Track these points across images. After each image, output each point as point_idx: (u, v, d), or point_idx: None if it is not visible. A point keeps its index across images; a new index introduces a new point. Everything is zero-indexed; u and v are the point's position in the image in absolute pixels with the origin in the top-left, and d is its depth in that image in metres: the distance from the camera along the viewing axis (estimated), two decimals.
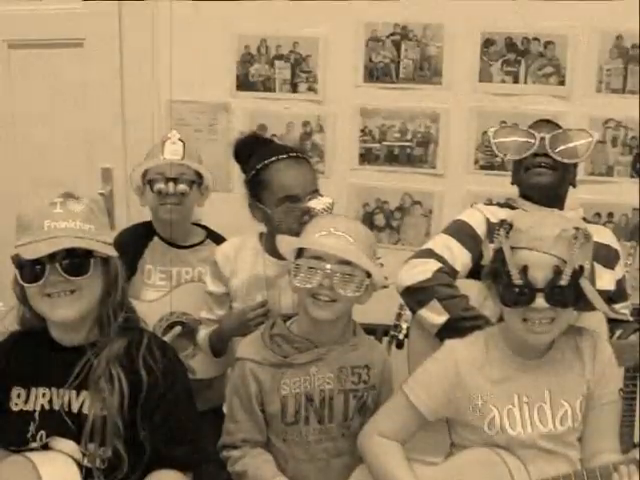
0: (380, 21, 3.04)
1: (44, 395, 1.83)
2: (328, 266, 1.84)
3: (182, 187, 2.48)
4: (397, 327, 2.40)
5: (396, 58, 3.06)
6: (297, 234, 2.02)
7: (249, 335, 2.06)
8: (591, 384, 1.87)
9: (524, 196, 2.30)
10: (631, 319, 2.30)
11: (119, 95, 3.31)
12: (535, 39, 2.93)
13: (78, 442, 1.79)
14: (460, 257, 2.22)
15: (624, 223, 2.95)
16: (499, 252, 1.81)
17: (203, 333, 2.37)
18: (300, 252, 1.92)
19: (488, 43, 2.96)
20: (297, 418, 1.96)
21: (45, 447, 1.81)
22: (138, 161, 2.60)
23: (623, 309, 2.33)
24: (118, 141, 3.34)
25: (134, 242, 2.56)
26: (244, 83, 3.22)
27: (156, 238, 2.59)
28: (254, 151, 2.28)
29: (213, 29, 3.17)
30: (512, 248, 1.78)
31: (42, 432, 1.81)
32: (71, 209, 1.77)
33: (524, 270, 1.74)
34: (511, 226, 1.81)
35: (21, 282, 1.77)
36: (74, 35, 3.30)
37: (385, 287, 2.00)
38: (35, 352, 1.86)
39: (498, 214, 2.22)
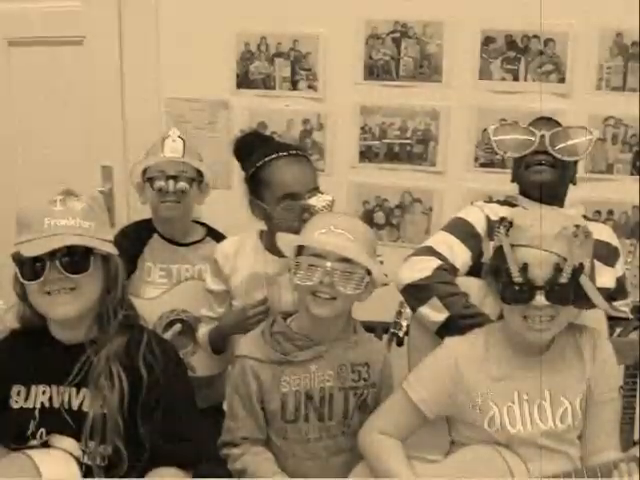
0: (380, 19, 3.04)
1: (44, 393, 1.83)
2: (328, 264, 1.84)
3: (182, 185, 2.48)
4: (397, 325, 2.40)
5: (396, 56, 3.06)
6: (297, 232, 2.02)
7: (249, 333, 2.07)
8: (591, 382, 1.87)
9: (524, 194, 2.30)
10: (631, 317, 2.30)
11: (119, 93, 3.31)
12: (535, 37, 2.92)
13: (78, 440, 1.79)
14: (460, 255, 2.22)
15: (624, 221, 2.95)
16: (499, 250, 1.81)
17: (203, 331, 2.38)
18: (300, 250, 1.92)
19: (488, 41, 2.96)
20: (297, 416, 1.96)
21: (45, 445, 1.81)
22: (138, 159, 2.60)
23: (623, 307, 2.33)
24: (118, 139, 3.34)
25: (134, 240, 2.56)
26: (244, 81, 3.22)
27: (156, 236, 2.59)
28: (254, 149, 2.28)
29: (213, 27, 3.17)
30: (512, 246, 1.78)
31: (42, 430, 1.81)
32: (71, 207, 1.77)
33: (524, 268, 1.74)
34: (511, 224, 1.81)
35: (21, 280, 1.77)
36: (74, 33, 3.30)
37: (385, 285, 2.00)
38: (35, 350, 1.86)
39: (498, 212, 2.22)
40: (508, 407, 1.85)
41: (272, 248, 2.17)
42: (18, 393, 1.85)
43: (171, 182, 2.47)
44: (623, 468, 1.76)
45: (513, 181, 2.35)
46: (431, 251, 2.22)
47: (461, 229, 2.27)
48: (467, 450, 1.89)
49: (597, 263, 2.16)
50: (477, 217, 2.29)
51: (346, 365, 1.99)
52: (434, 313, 2.14)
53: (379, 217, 3.17)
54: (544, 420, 1.85)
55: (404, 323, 2.38)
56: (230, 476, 1.99)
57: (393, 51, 3.06)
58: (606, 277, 2.27)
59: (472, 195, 2.88)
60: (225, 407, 2.13)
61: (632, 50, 2.86)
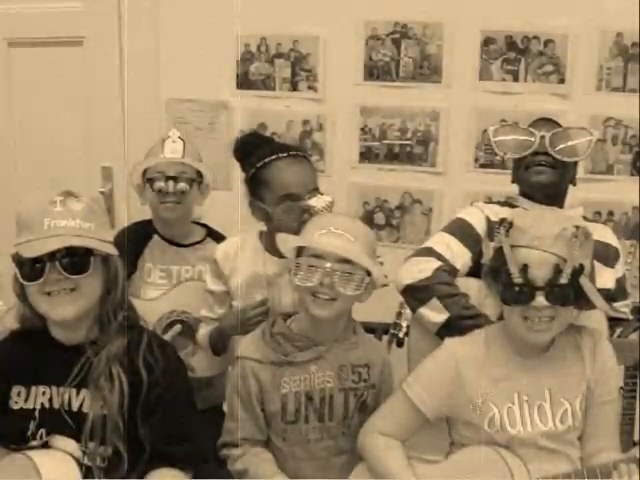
0: (380, 19, 3.04)
1: (44, 393, 1.83)
2: (328, 264, 1.84)
3: (182, 186, 2.48)
4: (397, 326, 2.40)
5: (396, 56, 3.06)
6: (297, 232, 2.02)
7: (249, 334, 2.07)
8: (591, 383, 1.87)
9: (524, 194, 2.30)
10: (631, 317, 2.30)
11: (119, 93, 3.31)
12: (535, 37, 2.92)
13: (78, 440, 1.79)
14: (460, 255, 2.22)
15: (624, 221, 2.95)
16: (499, 250, 1.81)
17: (203, 331, 2.38)
18: (300, 250, 1.92)
19: (488, 41, 2.96)
20: (297, 417, 1.96)
21: (45, 445, 1.81)
22: (138, 160, 2.60)
23: (623, 307, 2.33)
24: (118, 140, 3.34)
25: (134, 240, 2.55)
26: (244, 81, 3.22)
27: (156, 236, 2.59)
28: (254, 149, 2.28)
29: (213, 27, 3.17)
30: (512, 246, 1.78)
31: (42, 430, 1.81)
32: (71, 207, 1.77)
33: (524, 268, 1.74)
34: (511, 224, 1.81)
35: (21, 280, 1.76)
36: (74, 34, 3.30)
37: (385, 285, 2.00)
38: (35, 350, 1.85)
39: (498, 212, 2.22)
40: (508, 408, 1.85)
41: (272, 249, 2.17)
42: (18, 394, 1.85)
43: (171, 183, 2.47)
44: (623, 469, 1.76)
45: (513, 182, 2.35)
46: (431, 252, 2.22)
47: (461, 230, 2.27)
48: (467, 451, 1.89)
49: (597, 264, 2.16)
50: (477, 218, 2.29)
51: (346, 366, 1.99)
52: (434, 314, 2.14)
53: (379, 218, 3.17)
54: (544, 421, 1.85)
55: (404, 324, 2.38)
56: (230, 477, 2.00)
57: (393, 52, 3.06)
58: (606, 278, 2.28)
59: (472, 196, 2.88)
60: (225, 408, 2.13)
61: (632, 51, 2.86)
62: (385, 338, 2.45)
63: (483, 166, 3.05)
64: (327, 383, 1.97)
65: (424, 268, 2.18)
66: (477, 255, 2.23)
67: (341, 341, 2.00)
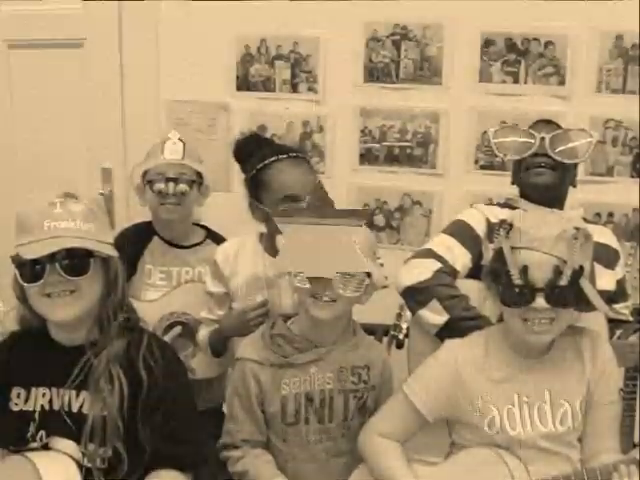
0: (380, 21, 3.04)
1: (44, 395, 1.83)
2: None
3: (182, 187, 2.48)
4: (397, 327, 2.39)
5: (396, 58, 3.06)
6: None
7: (249, 335, 2.06)
8: (591, 384, 1.87)
9: (524, 196, 2.30)
10: (631, 319, 2.30)
11: (119, 95, 3.31)
12: (535, 39, 2.92)
13: (78, 442, 1.79)
14: (460, 257, 2.22)
15: (624, 223, 2.95)
16: (499, 252, 1.81)
17: (203, 333, 2.37)
18: None
19: (488, 43, 2.96)
20: (297, 418, 1.96)
21: (45, 447, 1.81)
22: (138, 161, 2.60)
23: (623, 309, 2.33)
24: (118, 141, 3.34)
25: (134, 242, 2.56)
26: (244, 83, 3.22)
27: (156, 238, 2.59)
28: (254, 151, 2.28)
29: (213, 29, 3.17)
30: (512, 248, 1.78)
31: (42, 432, 1.81)
32: (71, 209, 1.77)
33: (524, 270, 1.74)
34: (511, 226, 1.81)
35: (21, 282, 1.77)
36: (74, 35, 3.30)
37: (385, 287, 2.00)
38: (35, 352, 1.85)
39: (498, 214, 2.22)
40: (508, 409, 1.85)
41: (272, 250, 2.17)
42: (18, 395, 1.85)
43: (171, 184, 2.47)
44: (623, 470, 1.76)
45: (513, 183, 2.35)
46: (431, 253, 2.22)
47: (461, 231, 2.27)
48: (467, 452, 1.89)
49: (597, 266, 2.16)
50: (477, 219, 2.29)
51: (346, 367, 1.99)
52: (434, 316, 2.14)
53: (379, 220, 3.17)
54: (544, 422, 1.85)
55: (404, 325, 2.37)
56: (230, 478, 1.99)
57: (393, 53, 3.06)
58: (606, 280, 2.27)
59: (472, 197, 2.88)
60: (225, 409, 2.13)
61: (632, 52, 2.86)
62: (385, 339, 2.45)
63: (483, 168, 3.05)
64: (327, 384, 1.97)
65: (424, 270, 2.18)
66: (477, 257, 2.23)
67: (341, 343, 1.99)
